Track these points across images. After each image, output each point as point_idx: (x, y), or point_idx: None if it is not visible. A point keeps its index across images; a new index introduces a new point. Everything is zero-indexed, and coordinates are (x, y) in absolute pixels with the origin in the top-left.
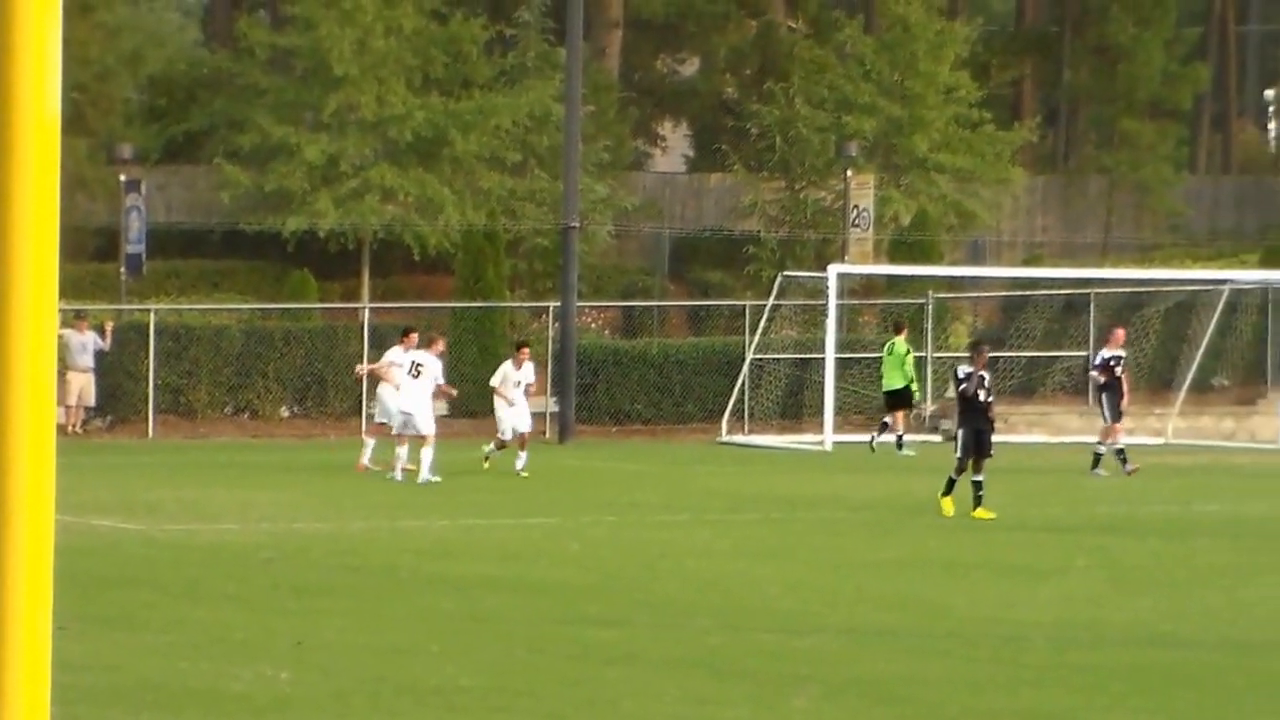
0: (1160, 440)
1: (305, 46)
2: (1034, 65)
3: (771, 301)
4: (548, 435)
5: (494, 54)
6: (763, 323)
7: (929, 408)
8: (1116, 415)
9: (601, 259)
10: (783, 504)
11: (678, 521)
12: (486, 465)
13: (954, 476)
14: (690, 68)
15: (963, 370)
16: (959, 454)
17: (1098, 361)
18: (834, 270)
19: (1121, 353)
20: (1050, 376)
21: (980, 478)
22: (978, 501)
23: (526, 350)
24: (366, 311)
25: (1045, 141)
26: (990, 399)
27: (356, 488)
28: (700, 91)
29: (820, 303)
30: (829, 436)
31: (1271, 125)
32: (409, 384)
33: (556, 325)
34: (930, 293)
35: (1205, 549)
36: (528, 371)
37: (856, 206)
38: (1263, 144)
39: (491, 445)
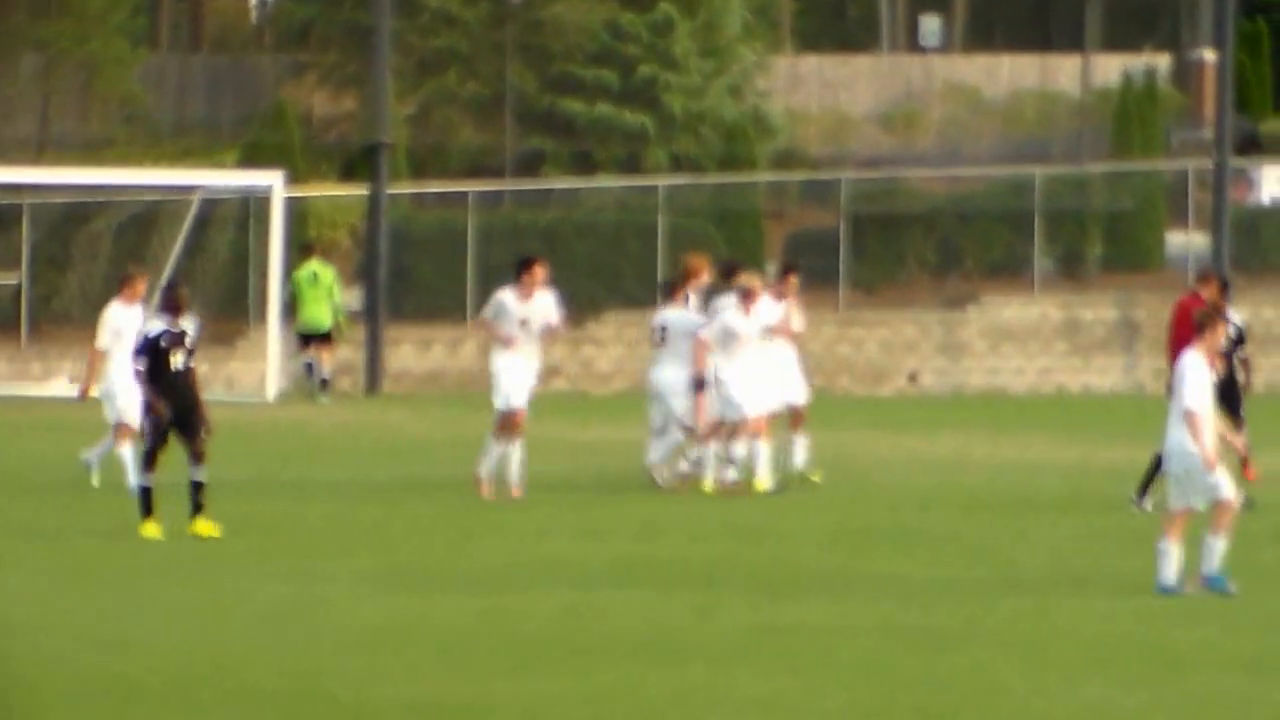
0: None
1: None
2: None
3: None
4: None
5: None
6: None
7: None
8: None
9: None
10: None
11: None
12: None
13: (144, 484)
14: None
15: (156, 326)
16: (148, 444)
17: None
18: None
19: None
20: None
21: (201, 477)
22: (198, 509)
23: (540, 270)
24: None
25: None
26: (192, 364)
27: None
28: None
29: None
30: None
31: None
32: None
33: None
34: None
35: None
36: (545, 305)
37: None
38: (242, 14)
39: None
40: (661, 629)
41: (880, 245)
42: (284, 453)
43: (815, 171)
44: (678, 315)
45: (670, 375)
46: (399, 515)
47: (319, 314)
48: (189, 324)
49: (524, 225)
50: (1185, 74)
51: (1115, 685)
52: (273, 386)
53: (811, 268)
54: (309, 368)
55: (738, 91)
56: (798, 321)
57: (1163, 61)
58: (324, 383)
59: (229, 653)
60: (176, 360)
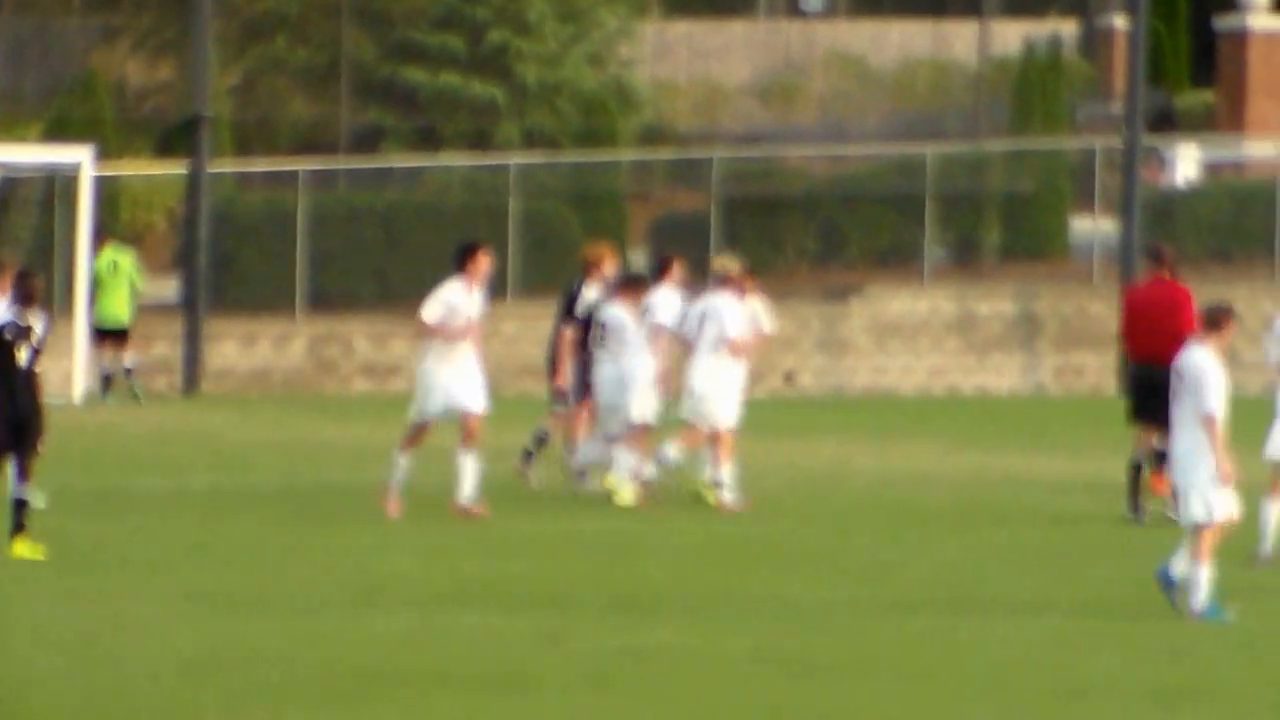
0: None
1: None
2: None
3: None
4: None
5: None
6: None
7: None
8: None
9: None
10: None
11: None
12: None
13: None
14: None
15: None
16: None
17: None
18: None
19: None
20: None
21: (27, 496)
22: (19, 528)
23: (485, 258)
24: None
25: None
26: (36, 367)
27: None
28: None
29: None
30: None
31: None
32: None
33: None
34: None
35: None
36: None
37: None
38: None
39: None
40: (509, 655)
41: (755, 231)
42: (91, 459)
43: (684, 149)
44: (617, 317)
45: (610, 376)
46: (219, 529)
47: (118, 307)
48: (37, 320)
49: (361, 207)
50: (1093, 43)
51: (1010, 716)
52: (79, 386)
53: (679, 255)
54: (105, 381)
55: (598, 60)
56: (768, 323)
57: (1068, 29)
58: (128, 371)
59: (28, 683)
60: (21, 357)
